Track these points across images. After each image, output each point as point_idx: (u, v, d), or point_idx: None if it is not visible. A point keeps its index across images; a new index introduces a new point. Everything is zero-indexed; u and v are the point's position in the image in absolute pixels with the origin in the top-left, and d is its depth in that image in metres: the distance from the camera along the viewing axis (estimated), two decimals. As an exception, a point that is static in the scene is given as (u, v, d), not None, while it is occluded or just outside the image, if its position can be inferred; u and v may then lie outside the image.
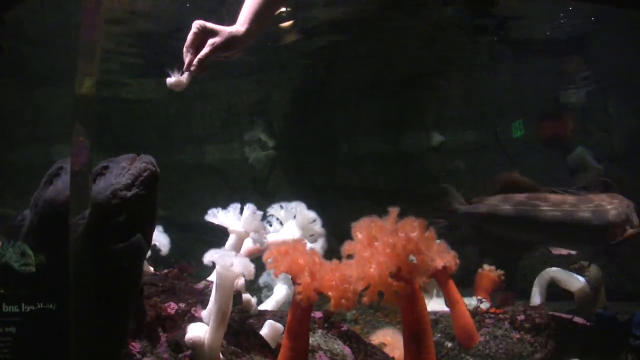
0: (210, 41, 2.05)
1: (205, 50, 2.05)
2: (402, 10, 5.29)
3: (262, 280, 3.75)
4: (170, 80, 2.05)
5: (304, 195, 6.94)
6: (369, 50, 6.13)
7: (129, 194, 1.76)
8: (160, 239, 2.98)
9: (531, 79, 6.70)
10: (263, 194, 7.06)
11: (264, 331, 2.66)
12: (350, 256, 2.33)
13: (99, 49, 1.89)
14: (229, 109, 7.53)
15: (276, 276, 2.25)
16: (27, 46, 5.56)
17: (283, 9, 4.97)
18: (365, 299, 2.22)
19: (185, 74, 2.05)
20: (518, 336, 3.30)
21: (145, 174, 1.81)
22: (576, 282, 4.14)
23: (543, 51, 6.11)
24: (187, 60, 2.06)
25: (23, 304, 1.69)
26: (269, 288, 3.71)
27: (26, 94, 6.97)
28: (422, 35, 5.86)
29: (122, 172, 1.82)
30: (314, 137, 7.33)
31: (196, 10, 4.88)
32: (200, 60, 2.04)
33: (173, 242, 3.38)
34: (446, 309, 3.84)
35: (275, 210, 3.21)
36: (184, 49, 2.07)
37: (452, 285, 3.31)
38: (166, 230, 3.49)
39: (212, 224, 2.98)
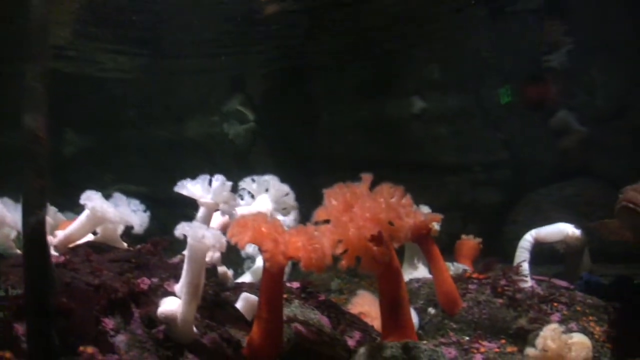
0: None
1: None
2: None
3: (244, 252, 3.71)
4: None
5: (287, 167, 6.94)
6: (346, 16, 6.02)
7: None
8: (133, 217, 2.91)
9: (511, 43, 6.63)
10: (245, 168, 6.99)
11: (239, 304, 2.65)
12: (318, 223, 2.32)
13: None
14: (208, 85, 7.44)
15: (241, 248, 2.22)
16: None
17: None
18: (343, 263, 2.22)
19: None
20: (501, 301, 3.26)
21: None
22: (563, 228, 3.69)
23: (521, 12, 6.05)
24: None
25: None
26: (252, 259, 3.67)
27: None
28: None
29: None
30: (294, 108, 7.26)
31: None
32: None
33: (155, 218, 3.31)
34: (429, 275, 3.84)
35: (247, 183, 3.13)
36: None
37: (436, 251, 3.28)
38: (149, 207, 3.44)
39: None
